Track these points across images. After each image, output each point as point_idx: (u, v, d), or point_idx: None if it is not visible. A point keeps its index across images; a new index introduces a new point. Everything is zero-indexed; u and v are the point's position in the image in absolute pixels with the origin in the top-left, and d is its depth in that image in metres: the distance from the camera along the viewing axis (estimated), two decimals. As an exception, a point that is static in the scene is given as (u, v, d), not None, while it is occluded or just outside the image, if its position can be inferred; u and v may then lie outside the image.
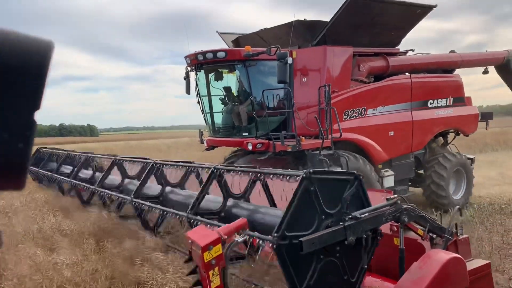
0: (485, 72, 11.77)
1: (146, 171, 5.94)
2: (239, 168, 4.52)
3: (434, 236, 4.06)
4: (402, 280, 3.47)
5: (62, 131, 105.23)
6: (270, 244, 2.90)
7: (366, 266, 3.46)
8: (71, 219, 6.56)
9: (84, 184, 7.43)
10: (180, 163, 5.70)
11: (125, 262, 4.68)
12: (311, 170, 3.19)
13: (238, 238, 2.84)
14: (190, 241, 2.70)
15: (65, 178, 8.19)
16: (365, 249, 3.41)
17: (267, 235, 3.14)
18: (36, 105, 0.75)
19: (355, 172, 3.49)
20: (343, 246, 3.28)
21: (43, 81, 0.75)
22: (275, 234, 2.91)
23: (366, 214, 3.32)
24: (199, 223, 4.08)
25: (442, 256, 3.62)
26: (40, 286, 4.22)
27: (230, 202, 4.60)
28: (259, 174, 4.33)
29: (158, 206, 5.05)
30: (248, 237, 2.91)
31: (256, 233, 3.27)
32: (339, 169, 7.44)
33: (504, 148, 24.46)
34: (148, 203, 5.22)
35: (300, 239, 2.95)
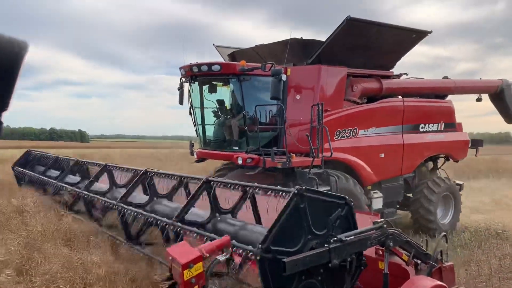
0: (479, 99, 11.79)
1: (136, 178, 5.86)
2: (231, 181, 4.49)
3: (419, 262, 4.03)
4: (385, 305, 3.44)
5: (53, 135, 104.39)
6: (253, 255, 2.85)
7: (349, 289, 3.42)
8: (81, 222, 6.54)
9: (70, 187, 7.31)
10: (172, 174, 5.65)
11: (147, 265, 4.72)
12: (303, 187, 3.18)
13: (221, 257, 2.78)
14: (170, 257, 2.64)
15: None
16: (349, 272, 3.37)
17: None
18: (4, 105, 0.71)
19: (347, 197, 3.48)
20: (326, 269, 3.24)
21: (13, 81, 0.71)
22: (260, 246, 2.87)
23: (352, 237, 3.30)
24: (183, 231, 4.01)
25: (426, 283, 3.60)
26: (72, 283, 4.22)
27: (217, 216, 4.54)
28: (249, 188, 4.29)
29: (142, 211, 4.96)
30: (229, 255, 2.85)
31: (241, 244, 3.24)
32: (328, 188, 7.42)
33: (495, 175, 24.99)
34: (132, 208, 5.13)
35: (283, 259, 2.90)
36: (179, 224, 4.14)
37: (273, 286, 2.87)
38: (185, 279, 2.49)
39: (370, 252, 3.98)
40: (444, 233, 4.40)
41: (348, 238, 3.25)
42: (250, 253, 2.96)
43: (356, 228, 3.52)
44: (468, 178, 20.94)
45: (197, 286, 2.55)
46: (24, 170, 9.94)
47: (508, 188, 19.06)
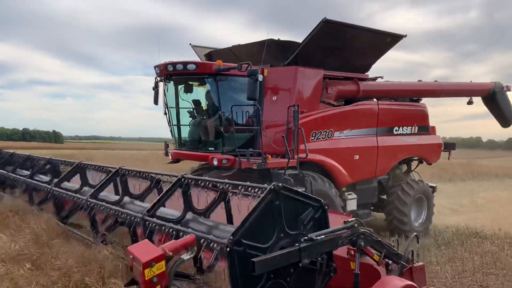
0: (470, 102, 11.54)
1: (108, 176, 5.71)
2: (206, 179, 4.43)
3: (390, 262, 4.03)
4: (355, 305, 3.41)
5: (26, 135, 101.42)
6: (222, 247, 2.78)
7: (320, 290, 3.38)
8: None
9: (39, 183, 7.06)
10: (147, 172, 5.51)
11: None
12: (280, 185, 3.14)
13: (185, 256, 2.69)
14: (131, 256, 2.54)
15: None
16: (319, 272, 3.33)
17: (221, 254, 3.00)
18: None
19: (322, 200, 3.46)
20: (297, 268, 3.19)
21: None
22: (231, 237, 2.81)
23: (322, 236, 3.26)
24: (154, 225, 3.90)
25: (396, 283, 3.59)
26: (90, 277, 4.17)
27: (189, 215, 4.45)
28: (227, 186, 4.21)
29: (113, 207, 4.82)
30: (194, 254, 2.77)
31: (211, 236, 3.17)
32: (303, 189, 7.41)
33: (470, 178, 26.11)
34: (103, 203, 4.99)
35: (253, 259, 2.84)
36: (149, 218, 4.01)
37: (240, 281, 2.80)
38: (146, 278, 2.39)
39: (342, 252, 3.96)
40: (415, 233, 4.41)
41: (319, 238, 3.22)
42: (221, 245, 2.89)
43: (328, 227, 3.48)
44: (445, 181, 21.94)
45: (159, 286, 2.46)
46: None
47: (483, 190, 20.04)
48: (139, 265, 2.41)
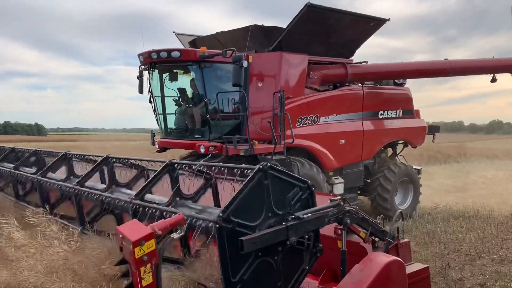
0: (493, 80, 10.78)
1: (95, 165, 5.66)
2: (195, 163, 4.44)
3: (377, 239, 4.12)
4: (343, 282, 3.48)
5: (7, 128, 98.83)
6: (211, 224, 2.82)
7: (307, 267, 3.44)
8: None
9: (25, 173, 6.96)
10: (134, 159, 5.46)
11: None
12: (268, 165, 3.18)
13: (174, 235, 2.73)
14: (120, 236, 2.56)
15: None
16: (307, 250, 3.40)
17: (209, 232, 3.04)
18: None
19: (309, 182, 3.51)
20: (285, 246, 3.25)
21: None
22: (221, 215, 2.84)
23: (309, 214, 3.32)
24: (142, 208, 3.89)
25: (383, 259, 3.67)
26: None
27: (178, 200, 4.46)
28: (212, 176, 4.24)
29: (101, 193, 4.79)
30: (183, 233, 2.80)
31: (200, 215, 3.20)
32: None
33: (464, 160, 26.99)
34: (89, 189, 4.95)
35: (241, 238, 2.88)
36: (137, 201, 4.01)
37: (229, 259, 2.84)
38: (136, 257, 2.42)
39: (329, 232, 4.03)
40: (400, 211, 4.50)
41: (305, 216, 3.27)
42: (210, 223, 2.92)
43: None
44: (441, 163, 22.86)
45: (149, 264, 2.49)
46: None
47: (479, 170, 21.17)
48: (129, 244, 2.43)
